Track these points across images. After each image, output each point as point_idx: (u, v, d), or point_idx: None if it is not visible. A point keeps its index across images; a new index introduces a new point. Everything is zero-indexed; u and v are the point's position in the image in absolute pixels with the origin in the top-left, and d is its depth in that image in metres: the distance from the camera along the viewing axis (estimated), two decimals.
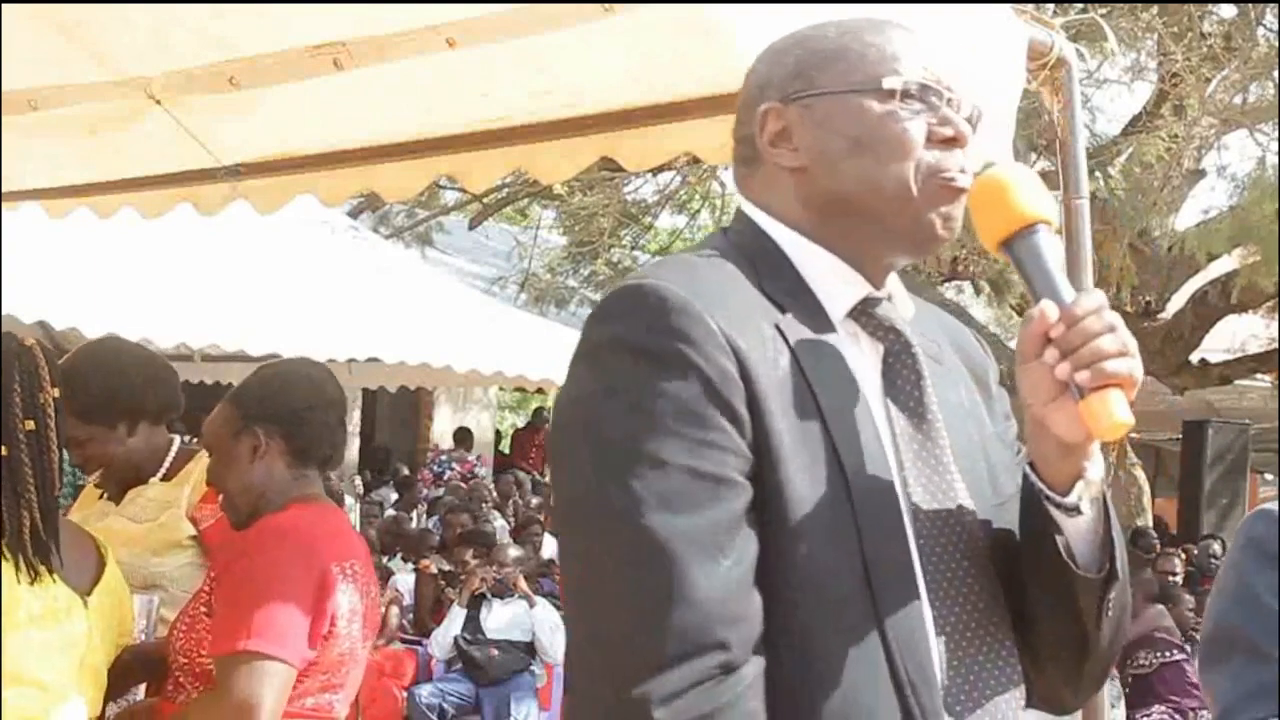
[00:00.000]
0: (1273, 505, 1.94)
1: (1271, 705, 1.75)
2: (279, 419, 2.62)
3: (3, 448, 2.29)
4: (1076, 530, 1.39)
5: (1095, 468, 1.39)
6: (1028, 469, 1.40)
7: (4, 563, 2.23)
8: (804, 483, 1.30)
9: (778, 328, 1.35)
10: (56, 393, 2.37)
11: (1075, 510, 1.38)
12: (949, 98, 1.42)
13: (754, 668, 1.25)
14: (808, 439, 1.31)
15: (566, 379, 1.34)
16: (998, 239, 1.39)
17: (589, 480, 1.28)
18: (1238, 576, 1.87)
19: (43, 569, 2.27)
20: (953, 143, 1.41)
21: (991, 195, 1.39)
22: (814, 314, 1.40)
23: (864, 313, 1.43)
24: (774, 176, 1.46)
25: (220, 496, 2.69)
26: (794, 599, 1.29)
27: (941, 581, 1.36)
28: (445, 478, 13.39)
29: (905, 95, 1.41)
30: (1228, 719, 1.79)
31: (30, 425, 2.32)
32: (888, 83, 1.40)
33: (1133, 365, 1.30)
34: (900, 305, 1.48)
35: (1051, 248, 1.39)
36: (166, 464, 3.03)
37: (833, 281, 1.42)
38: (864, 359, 1.41)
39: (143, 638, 2.69)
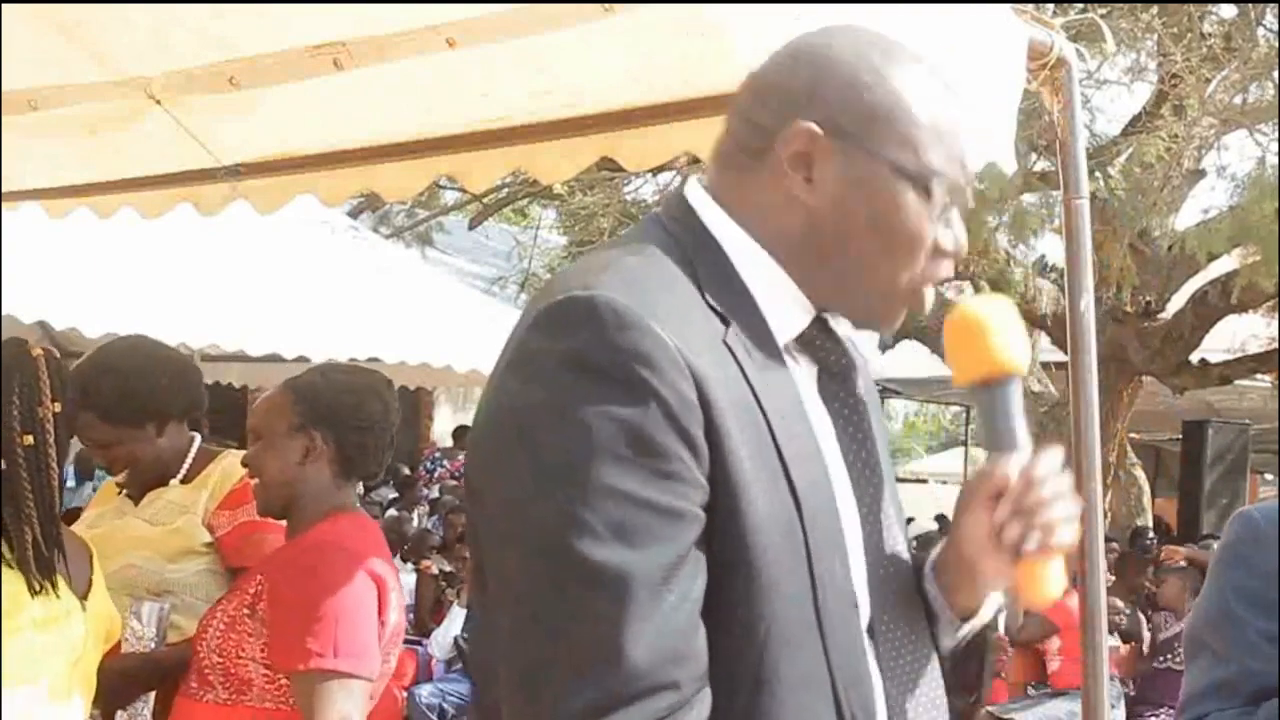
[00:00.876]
0: (1253, 507, 2.01)
1: (1224, 701, 1.83)
2: (341, 430, 2.61)
3: (1, 463, 2.25)
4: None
5: (990, 607, 1.45)
6: (930, 576, 1.43)
7: (9, 572, 2.21)
8: (763, 510, 1.24)
9: (725, 343, 1.28)
10: (57, 406, 2.32)
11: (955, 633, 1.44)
12: (966, 204, 1.37)
13: (703, 708, 1.21)
14: (764, 465, 1.26)
15: (496, 388, 1.26)
16: (969, 379, 1.39)
17: (529, 495, 1.20)
18: (1213, 579, 1.96)
19: (47, 584, 2.24)
20: (948, 255, 1.37)
21: (972, 336, 1.38)
22: (758, 329, 1.32)
23: (806, 339, 1.38)
24: (772, 189, 1.35)
25: (254, 481, 2.67)
26: (749, 628, 1.24)
27: (881, 613, 1.36)
28: (436, 475, 13.39)
29: (937, 195, 1.34)
30: (1185, 711, 1.88)
31: (29, 440, 2.27)
32: (935, 185, 1.33)
33: (1075, 533, 1.34)
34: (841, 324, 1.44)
35: (1019, 398, 1.39)
36: (187, 464, 3.00)
37: (785, 303, 1.36)
38: (802, 379, 1.37)
39: (152, 645, 2.67)
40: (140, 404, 2.92)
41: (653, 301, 1.23)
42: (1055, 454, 1.35)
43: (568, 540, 1.17)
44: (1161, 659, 7.36)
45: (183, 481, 2.99)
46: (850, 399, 1.40)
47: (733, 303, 1.31)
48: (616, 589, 1.16)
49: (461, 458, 13.89)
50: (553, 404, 1.20)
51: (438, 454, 14.37)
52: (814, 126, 1.32)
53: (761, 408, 1.27)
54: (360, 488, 12.24)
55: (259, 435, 2.64)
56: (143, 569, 2.83)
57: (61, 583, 2.28)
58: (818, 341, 1.38)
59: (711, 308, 1.29)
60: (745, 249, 1.35)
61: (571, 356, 1.21)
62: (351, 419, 2.62)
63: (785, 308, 1.36)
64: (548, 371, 1.22)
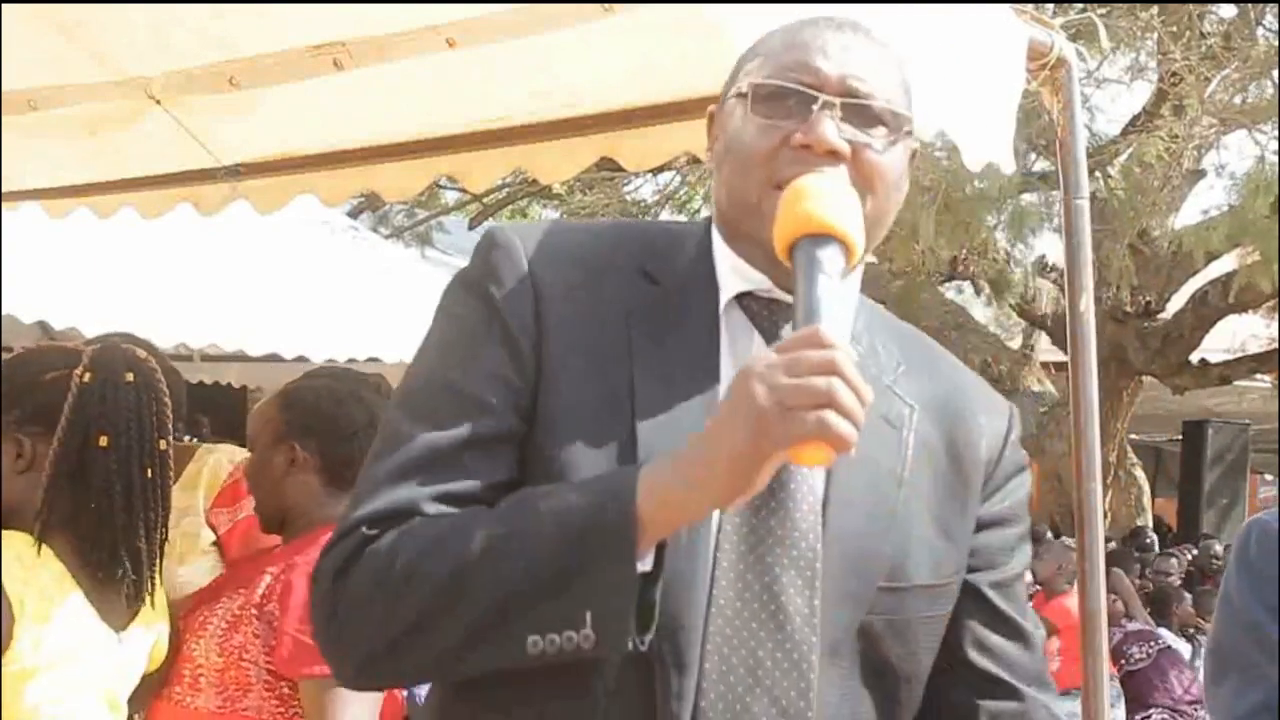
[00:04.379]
0: (1266, 514, 1.94)
1: None
2: (322, 438, 2.55)
3: (146, 471, 2.22)
4: None
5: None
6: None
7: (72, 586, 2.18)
8: (580, 432, 1.32)
9: (631, 298, 1.38)
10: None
11: None
12: (824, 101, 1.33)
13: (393, 545, 1.30)
14: (599, 395, 1.33)
15: None
16: (786, 242, 1.28)
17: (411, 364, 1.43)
18: (1229, 592, 1.90)
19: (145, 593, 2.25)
20: (806, 150, 1.33)
21: (789, 202, 1.29)
22: (699, 293, 1.40)
23: (747, 303, 1.40)
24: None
25: (251, 496, 2.64)
26: None
27: (725, 624, 1.30)
28: None
29: (756, 99, 1.36)
30: None
31: (163, 445, 2.26)
32: (738, 86, 1.39)
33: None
34: (881, 353, 1.44)
35: (830, 264, 1.24)
36: None
37: (725, 268, 1.41)
38: (740, 339, 1.39)
39: None
40: None
41: (550, 245, 1.41)
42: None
43: (401, 404, 1.40)
44: (1126, 658, 7.34)
45: None
46: None
47: (678, 269, 1.42)
48: (402, 448, 1.33)
49: None
50: (441, 302, 1.45)
51: None
52: (710, 110, 1.45)
53: (632, 353, 1.35)
54: None
55: (252, 445, 2.62)
56: None
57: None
58: (754, 308, 1.41)
59: (646, 273, 1.41)
60: (716, 229, 1.45)
61: (463, 270, 1.44)
62: (334, 429, 2.55)
63: (726, 272, 1.42)
64: (457, 276, 1.45)
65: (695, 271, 1.41)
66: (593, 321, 1.36)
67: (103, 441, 2.19)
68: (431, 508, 1.30)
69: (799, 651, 1.32)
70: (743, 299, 1.40)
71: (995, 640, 1.47)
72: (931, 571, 1.41)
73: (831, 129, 1.32)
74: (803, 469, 1.33)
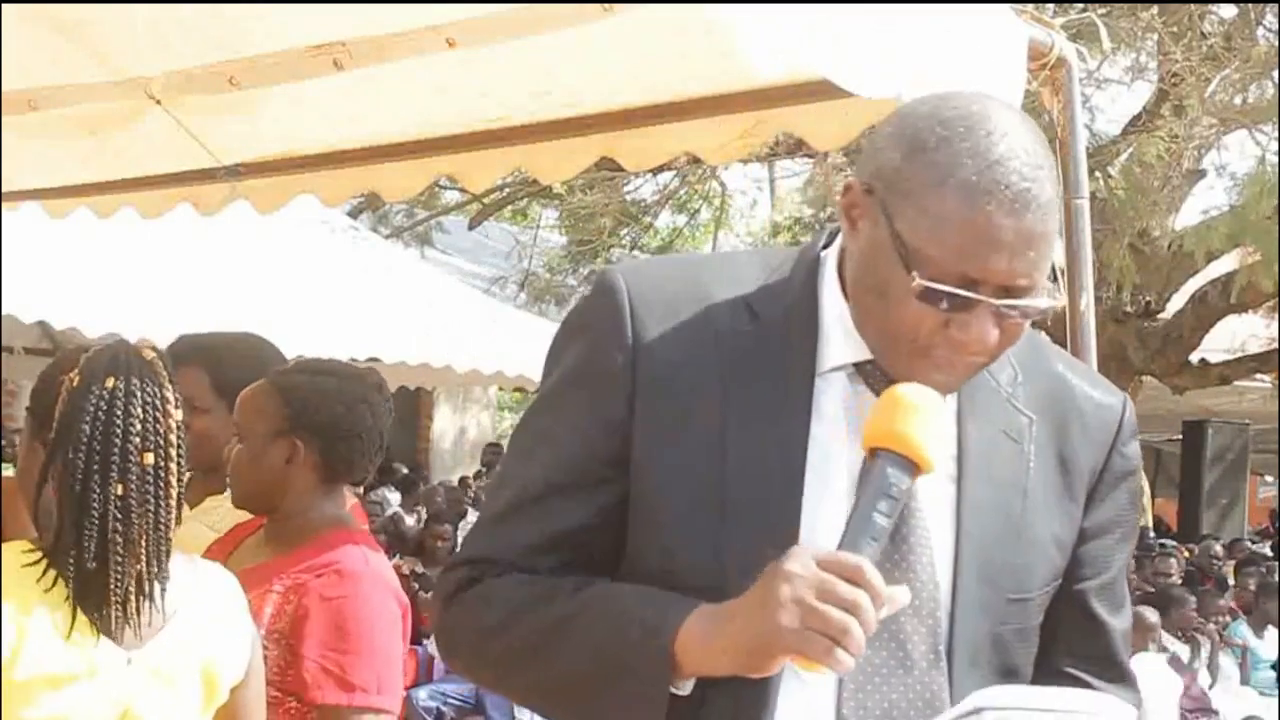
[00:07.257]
0: None
1: None
2: (328, 438, 2.50)
3: (118, 486, 1.99)
4: None
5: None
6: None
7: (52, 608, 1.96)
8: (669, 472, 1.37)
9: (734, 331, 1.40)
10: (180, 415, 2.07)
11: None
12: (985, 304, 1.31)
13: (489, 586, 1.44)
14: (693, 445, 1.37)
15: None
16: (868, 444, 1.32)
17: None
18: None
19: (119, 629, 2.00)
20: (958, 345, 1.33)
21: (887, 408, 1.33)
22: (800, 340, 1.40)
23: (868, 371, 1.41)
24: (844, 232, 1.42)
25: (229, 478, 2.57)
26: (654, 581, 1.38)
27: (858, 671, 1.32)
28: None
29: (925, 297, 1.31)
30: None
31: (149, 459, 2.01)
32: (915, 282, 1.30)
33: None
34: (1001, 362, 1.42)
35: (900, 491, 1.29)
36: None
37: (840, 333, 1.41)
38: (840, 397, 1.40)
39: None
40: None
41: (655, 287, 1.43)
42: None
43: (511, 443, 1.53)
44: None
45: None
46: None
47: (781, 310, 1.42)
48: (503, 491, 1.47)
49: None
50: (550, 346, 1.51)
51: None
52: (858, 182, 1.37)
53: (725, 399, 1.38)
54: (361, 488, 12.21)
55: (243, 434, 2.55)
56: None
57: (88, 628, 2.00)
58: (873, 377, 1.41)
59: (749, 305, 1.42)
60: (831, 278, 1.43)
61: (570, 312, 1.53)
62: (339, 428, 2.51)
63: (842, 337, 1.41)
64: (563, 320, 1.54)
65: (798, 313, 1.42)
66: (688, 365, 1.39)
67: (73, 452, 2.01)
68: (522, 560, 1.42)
69: (929, 691, 1.38)
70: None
71: (1084, 645, 1.50)
72: (1045, 579, 1.45)
73: (992, 333, 1.33)
74: (920, 518, 1.39)
